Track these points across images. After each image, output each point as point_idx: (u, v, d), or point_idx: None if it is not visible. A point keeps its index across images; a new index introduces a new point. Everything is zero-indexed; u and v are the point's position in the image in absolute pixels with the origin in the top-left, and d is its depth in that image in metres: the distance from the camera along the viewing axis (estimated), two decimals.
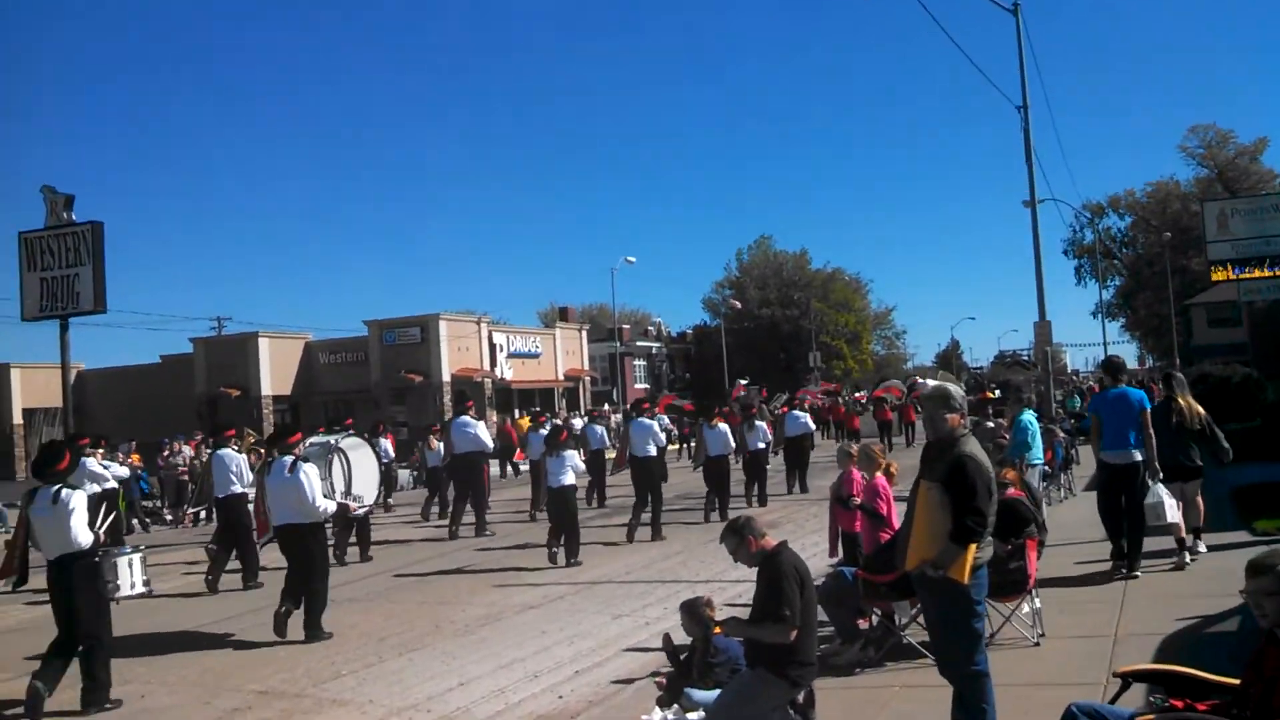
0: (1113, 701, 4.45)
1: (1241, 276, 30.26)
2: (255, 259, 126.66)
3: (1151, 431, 10.14)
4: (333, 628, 10.17)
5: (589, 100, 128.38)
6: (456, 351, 46.83)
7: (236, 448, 15.21)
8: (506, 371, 50.02)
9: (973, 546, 5.29)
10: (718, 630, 6.76)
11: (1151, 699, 4.24)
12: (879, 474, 8.80)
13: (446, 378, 45.95)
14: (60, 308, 28.91)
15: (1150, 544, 10.40)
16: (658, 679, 7.08)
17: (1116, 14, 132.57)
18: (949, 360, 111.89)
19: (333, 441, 12.87)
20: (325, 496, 10.63)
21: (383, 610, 11.07)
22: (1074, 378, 65.57)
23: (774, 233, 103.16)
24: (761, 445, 20.02)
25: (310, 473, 10.25)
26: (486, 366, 48.48)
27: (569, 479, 14.10)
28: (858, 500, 8.84)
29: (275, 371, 47.10)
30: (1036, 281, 22.42)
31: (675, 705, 6.63)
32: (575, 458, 14.94)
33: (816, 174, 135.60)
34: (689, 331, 79.64)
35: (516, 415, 42.05)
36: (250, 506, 13.39)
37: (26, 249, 29.36)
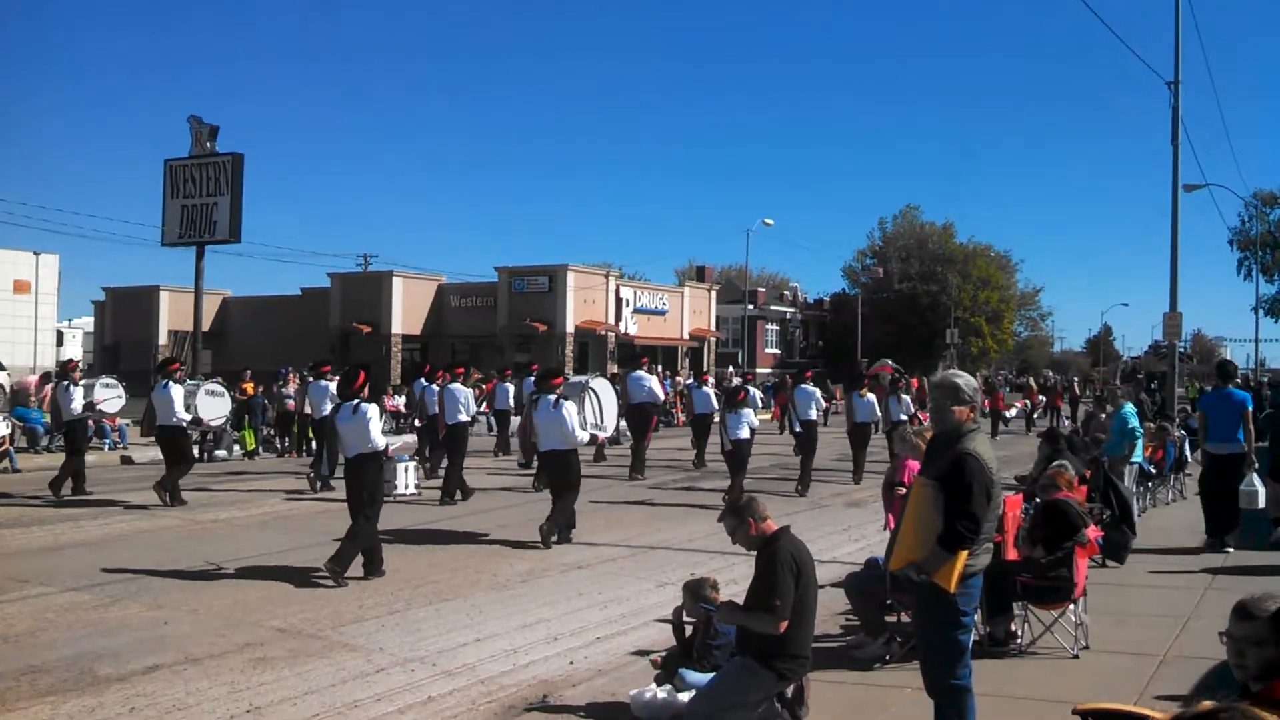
0: None
1: None
2: (402, 200, 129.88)
3: (1252, 428, 11.47)
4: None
5: (746, 60, 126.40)
6: (582, 303, 47.00)
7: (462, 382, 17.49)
8: (631, 326, 50.03)
9: (963, 553, 4.88)
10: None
11: None
12: None
13: (570, 329, 46.23)
14: (197, 235, 30.30)
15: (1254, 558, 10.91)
16: (653, 657, 6.87)
17: None
18: (1098, 346, 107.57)
19: (585, 380, 14.86)
20: (581, 428, 12.66)
21: (429, 556, 11.08)
22: None
23: (922, 203, 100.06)
24: (904, 417, 20.89)
25: (570, 409, 12.32)
26: (611, 320, 48.55)
27: (744, 433, 15.85)
28: (902, 490, 8.39)
29: (407, 311, 48.12)
30: (1171, 270, 21.19)
31: (669, 685, 6.41)
32: (751, 415, 16.45)
33: (973, 147, 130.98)
34: (826, 299, 78.15)
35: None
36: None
37: (170, 176, 30.80)
